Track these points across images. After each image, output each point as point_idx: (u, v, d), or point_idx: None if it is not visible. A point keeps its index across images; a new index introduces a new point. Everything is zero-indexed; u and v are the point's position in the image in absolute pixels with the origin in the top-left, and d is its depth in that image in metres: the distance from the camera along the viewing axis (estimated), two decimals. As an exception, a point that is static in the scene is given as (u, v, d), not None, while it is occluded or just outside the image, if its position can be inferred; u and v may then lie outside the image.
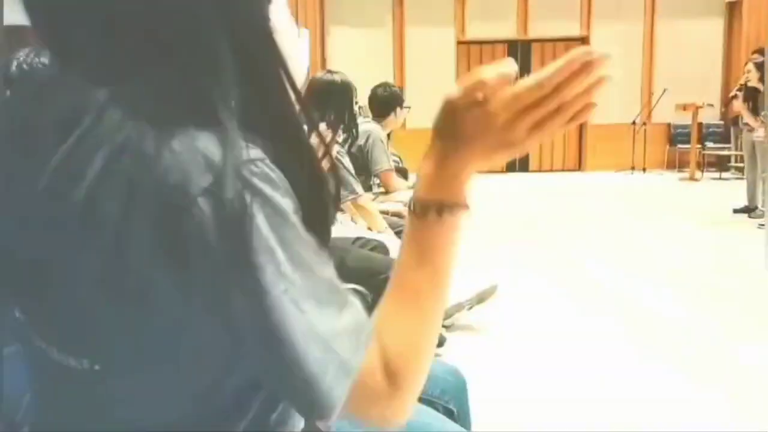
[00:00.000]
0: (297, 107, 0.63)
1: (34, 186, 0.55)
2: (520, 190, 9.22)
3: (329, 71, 3.08)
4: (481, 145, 0.66)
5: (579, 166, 11.62)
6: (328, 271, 0.59)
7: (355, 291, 1.90)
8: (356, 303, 0.61)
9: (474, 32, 11.28)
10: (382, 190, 3.44)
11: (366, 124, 3.38)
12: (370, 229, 2.85)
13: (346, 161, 2.79)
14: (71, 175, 0.53)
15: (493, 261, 4.64)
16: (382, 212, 3.01)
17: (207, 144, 0.53)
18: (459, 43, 11.28)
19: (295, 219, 0.56)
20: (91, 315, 0.57)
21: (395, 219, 3.08)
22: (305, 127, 0.65)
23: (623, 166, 11.00)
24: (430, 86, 10.75)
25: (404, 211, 3.26)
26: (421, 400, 1.18)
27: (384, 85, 3.70)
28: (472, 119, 0.64)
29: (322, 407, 0.57)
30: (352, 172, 2.79)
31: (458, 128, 0.65)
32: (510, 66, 0.64)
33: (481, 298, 3.15)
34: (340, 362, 0.56)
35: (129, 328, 0.56)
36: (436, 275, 0.68)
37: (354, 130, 3.02)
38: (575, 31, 11.23)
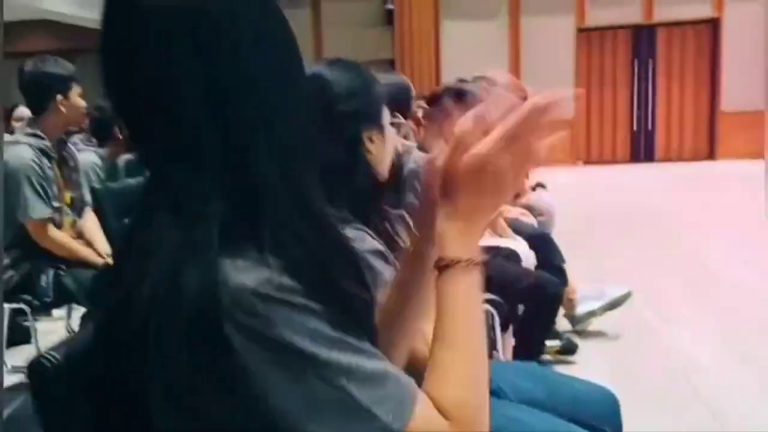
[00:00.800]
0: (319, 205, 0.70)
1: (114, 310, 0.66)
2: (645, 181, 8.87)
3: (461, 80, 3.15)
4: (481, 199, 0.73)
5: (710, 155, 11.00)
6: (365, 346, 0.64)
7: (491, 301, 1.97)
8: (395, 371, 0.65)
9: (595, 19, 10.91)
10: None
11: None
12: (499, 236, 2.91)
13: None
14: (131, 301, 0.63)
15: (620, 260, 4.55)
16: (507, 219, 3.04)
17: (227, 268, 0.60)
18: (579, 30, 10.96)
19: (320, 311, 0.61)
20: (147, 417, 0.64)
21: (523, 223, 3.11)
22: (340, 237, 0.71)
23: (759, 155, 10.28)
24: (548, 78, 10.53)
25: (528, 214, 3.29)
26: (574, 422, 1.24)
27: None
28: (467, 178, 0.72)
29: None
30: None
31: (459, 189, 0.73)
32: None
33: (613, 305, 3.12)
34: (383, 427, 0.61)
35: None
36: (468, 323, 0.72)
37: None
38: (705, 12, 10.58)
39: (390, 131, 1.31)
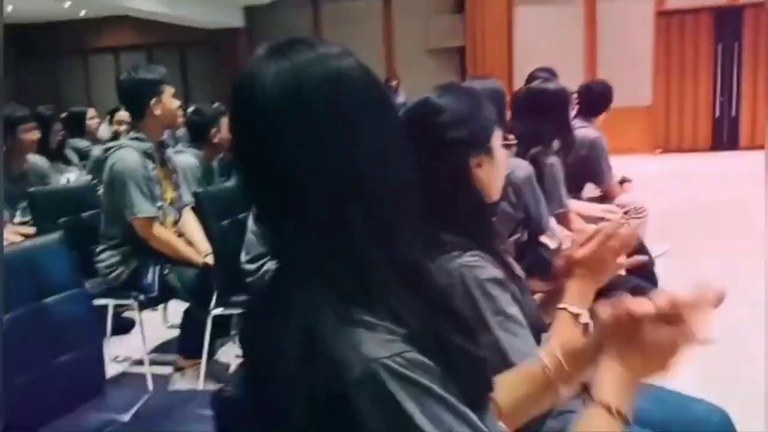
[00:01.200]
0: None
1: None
2: (729, 172, 8.52)
3: (545, 79, 3.14)
4: (659, 360, 0.81)
5: (799, 142, 10.47)
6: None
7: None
8: None
9: (676, 1, 10.51)
10: (597, 194, 3.41)
11: (583, 131, 3.33)
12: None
13: (558, 173, 2.80)
14: (269, 365, 0.71)
15: (708, 257, 4.42)
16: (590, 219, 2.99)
17: (358, 340, 0.65)
18: (658, 13, 10.58)
19: (441, 394, 0.65)
20: None
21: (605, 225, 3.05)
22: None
23: None
24: (625, 65, 10.24)
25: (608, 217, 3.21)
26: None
27: (597, 80, 3.63)
28: (657, 338, 0.80)
29: None
30: (562, 184, 2.80)
31: (646, 344, 0.80)
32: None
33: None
34: None
35: None
36: None
37: (569, 139, 3.05)
38: (796, -9, 10.05)
39: (500, 153, 1.30)
